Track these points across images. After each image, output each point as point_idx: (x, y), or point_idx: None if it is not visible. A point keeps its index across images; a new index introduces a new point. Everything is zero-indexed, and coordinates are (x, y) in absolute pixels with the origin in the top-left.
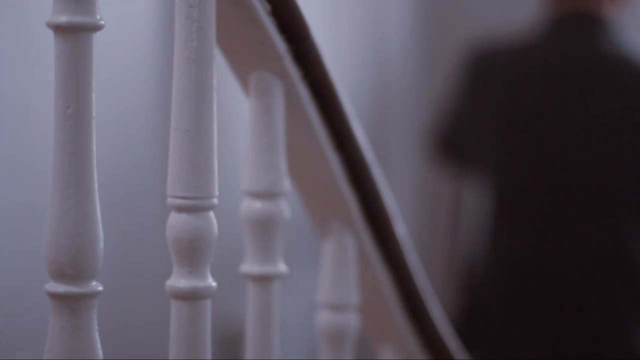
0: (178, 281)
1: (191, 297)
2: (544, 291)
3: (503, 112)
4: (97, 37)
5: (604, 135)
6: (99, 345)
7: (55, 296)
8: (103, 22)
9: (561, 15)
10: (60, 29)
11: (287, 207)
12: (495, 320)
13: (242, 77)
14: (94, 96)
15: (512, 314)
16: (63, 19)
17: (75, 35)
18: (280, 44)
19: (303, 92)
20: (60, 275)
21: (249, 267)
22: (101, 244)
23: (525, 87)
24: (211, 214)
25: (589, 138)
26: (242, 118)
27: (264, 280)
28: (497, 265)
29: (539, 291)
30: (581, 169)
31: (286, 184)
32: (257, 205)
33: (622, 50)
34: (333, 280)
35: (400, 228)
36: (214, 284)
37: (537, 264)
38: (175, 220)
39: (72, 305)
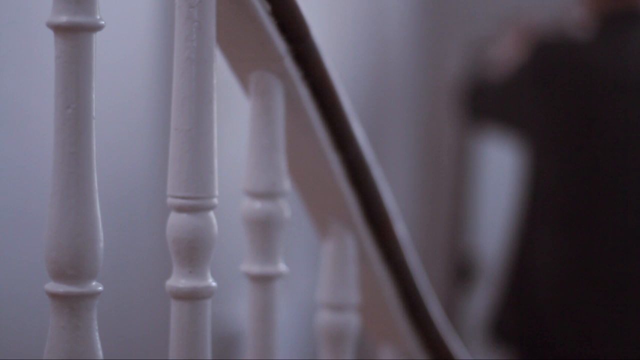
0: (178, 281)
1: (191, 297)
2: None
3: (561, 102)
4: (97, 37)
5: None
6: (99, 345)
7: (55, 296)
8: (103, 22)
9: (607, 15)
10: (60, 29)
11: (287, 207)
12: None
13: (242, 77)
14: (94, 96)
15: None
16: (63, 19)
17: (75, 35)
18: (280, 44)
19: (303, 92)
20: (60, 275)
21: (249, 267)
22: (101, 244)
23: (582, 83)
24: (211, 214)
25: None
26: (242, 118)
27: (264, 280)
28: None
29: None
30: (626, 164)
31: (286, 184)
32: (257, 205)
33: None
34: (333, 280)
35: (400, 228)
36: (214, 284)
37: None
38: (175, 220)
39: (72, 305)
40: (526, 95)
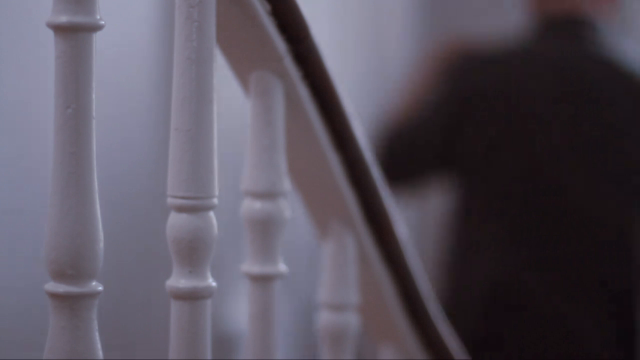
0: (178, 281)
1: (191, 297)
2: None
3: (490, 117)
4: (97, 37)
5: (592, 139)
6: (99, 345)
7: (55, 296)
8: (103, 22)
9: (547, 20)
10: (60, 29)
11: (287, 207)
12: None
13: (242, 77)
14: (94, 96)
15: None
16: (63, 19)
17: (75, 35)
18: (280, 44)
19: (303, 92)
20: (60, 275)
21: (249, 267)
22: (101, 244)
23: (511, 92)
24: (211, 214)
25: (576, 142)
26: (242, 118)
27: (264, 280)
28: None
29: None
30: (570, 176)
31: (286, 184)
32: (257, 205)
33: (610, 53)
34: (333, 280)
35: (400, 228)
36: (214, 284)
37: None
38: (175, 220)
39: (72, 305)
40: (447, 122)
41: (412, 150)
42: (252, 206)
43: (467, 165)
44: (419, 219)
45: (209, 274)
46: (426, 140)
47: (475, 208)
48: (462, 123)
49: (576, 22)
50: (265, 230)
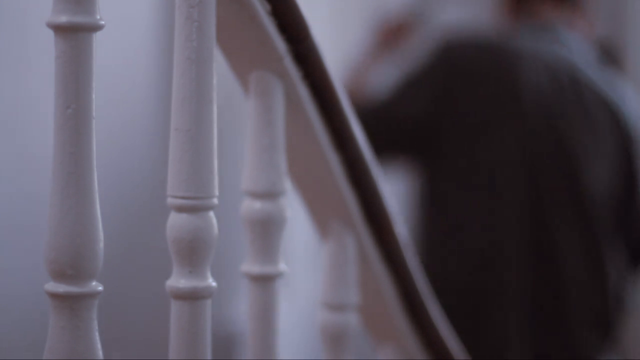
0: (178, 281)
1: (191, 297)
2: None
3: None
4: (97, 37)
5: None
6: (99, 345)
7: (55, 296)
8: (103, 22)
9: (523, 25)
10: (60, 29)
11: (287, 207)
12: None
13: (242, 77)
14: (94, 96)
15: None
16: (63, 19)
17: (75, 35)
18: (280, 44)
19: (303, 92)
20: (60, 275)
21: (249, 267)
22: (101, 244)
23: (494, 78)
24: (211, 214)
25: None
26: (242, 118)
27: (264, 280)
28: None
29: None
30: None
31: (286, 184)
32: (257, 205)
33: (579, 60)
34: (333, 280)
35: (400, 228)
36: (214, 284)
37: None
38: (175, 220)
39: (72, 305)
40: (429, 105)
41: (388, 129)
42: (252, 206)
43: (447, 149)
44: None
45: (209, 274)
46: (405, 119)
47: (451, 192)
48: (444, 107)
49: (551, 29)
50: (265, 230)
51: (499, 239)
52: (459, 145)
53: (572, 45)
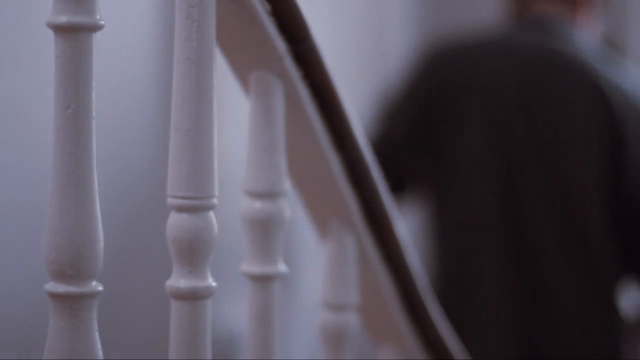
0: (178, 281)
1: (191, 297)
2: None
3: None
4: (97, 37)
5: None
6: (99, 345)
7: (55, 296)
8: (103, 22)
9: (518, 19)
10: (60, 29)
11: (287, 207)
12: None
13: (242, 77)
14: (94, 96)
15: None
16: (63, 19)
17: (75, 35)
18: (280, 44)
19: (303, 92)
20: (60, 275)
21: (249, 267)
22: (101, 244)
23: (479, 84)
24: (211, 214)
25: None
26: (242, 118)
27: (264, 280)
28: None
29: None
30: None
31: (286, 184)
32: (257, 205)
33: (578, 52)
34: (333, 280)
35: (400, 228)
36: (214, 284)
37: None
38: (175, 220)
39: (72, 305)
40: (416, 116)
41: (384, 160)
42: (252, 206)
43: (435, 159)
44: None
45: (209, 274)
46: (395, 145)
47: (441, 197)
48: (431, 117)
49: (547, 23)
50: (265, 230)
51: (476, 239)
52: (443, 151)
53: (570, 39)
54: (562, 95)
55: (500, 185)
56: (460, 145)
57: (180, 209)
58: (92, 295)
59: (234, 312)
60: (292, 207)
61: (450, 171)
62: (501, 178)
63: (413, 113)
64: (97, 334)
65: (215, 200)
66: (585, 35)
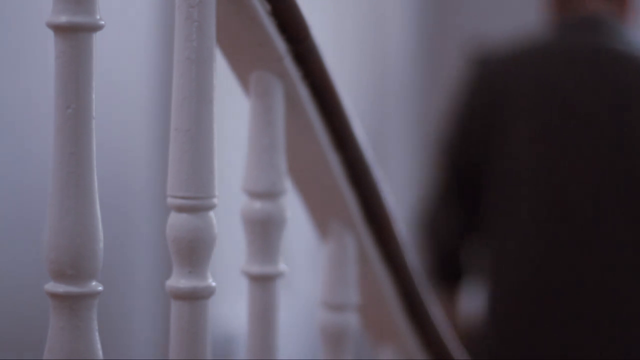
0: (178, 281)
1: (191, 297)
2: None
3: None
4: (97, 37)
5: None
6: (98, 345)
7: (55, 296)
8: (103, 22)
9: (566, 20)
10: (60, 29)
11: (287, 207)
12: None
13: (242, 77)
14: (94, 96)
15: None
16: (63, 19)
17: (75, 35)
18: (280, 44)
19: (303, 92)
20: (60, 275)
21: (249, 267)
22: (101, 244)
23: (542, 90)
24: (211, 214)
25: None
26: (242, 118)
27: (264, 280)
28: None
29: None
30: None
31: (286, 184)
32: (257, 205)
33: (631, 50)
34: (333, 280)
35: (400, 228)
36: (214, 284)
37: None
38: (175, 220)
39: (72, 305)
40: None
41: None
42: (251, 206)
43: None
44: None
45: (209, 274)
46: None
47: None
48: (495, 130)
49: (596, 21)
50: (265, 230)
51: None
52: (502, 161)
53: (623, 38)
54: (632, 96)
55: (580, 193)
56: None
57: (180, 209)
58: (92, 295)
59: (234, 312)
60: (292, 207)
61: (514, 176)
62: (582, 187)
63: (471, 145)
64: (97, 334)
65: (215, 200)
66: (634, 33)
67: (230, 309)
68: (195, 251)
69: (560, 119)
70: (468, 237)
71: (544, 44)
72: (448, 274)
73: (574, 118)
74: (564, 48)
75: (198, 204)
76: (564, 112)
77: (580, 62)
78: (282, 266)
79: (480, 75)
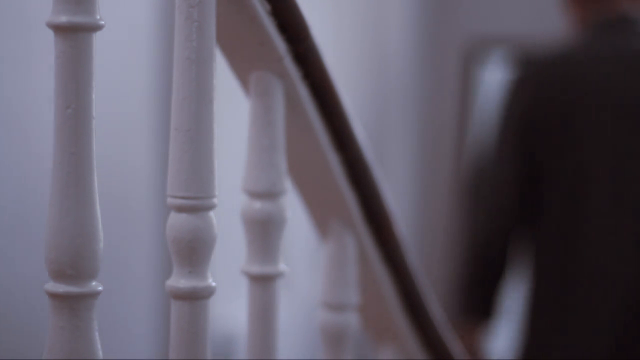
0: (178, 281)
1: (191, 297)
2: None
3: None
4: (97, 37)
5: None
6: (98, 345)
7: (55, 296)
8: (103, 22)
9: (593, 23)
10: (60, 29)
11: (287, 207)
12: None
13: (242, 77)
14: (94, 96)
15: None
16: (63, 19)
17: (75, 35)
18: (280, 44)
19: (303, 92)
20: (60, 275)
21: (249, 267)
22: (101, 244)
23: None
24: (211, 214)
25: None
26: (242, 118)
27: (264, 280)
28: None
29: None
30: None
31: (286, 184)
32: (257, 205)
33: None
34: (333, 280)
35: (400, 228)
36: (213, 284)
37: None
38: (175, 220)
39: (72, 305)
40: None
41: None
42: (251, 206)
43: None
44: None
45: (208, 274)
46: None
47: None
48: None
49: (625, 20)
50: (265, 230)
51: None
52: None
53: None
54: None
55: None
56: (579, 157)
57: (180, 209)
58: (92, 295)
59: (234, 312)
60: (292, 207)
61: (575, 179)
62: (612, 182)
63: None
64: (96, 333)
65: (215, 200)
66: None
67: (230, 309)
68: (195, 251)
69: (617, 119)
70: (514, 226)
71: (586, 46)
72: (481, 300)
73: (629, 118)
74: (608, 50)
75: (198, 204)
76: (619, 112)
77: (626, 63)
78: (282, 266)
79: (535, 74)
